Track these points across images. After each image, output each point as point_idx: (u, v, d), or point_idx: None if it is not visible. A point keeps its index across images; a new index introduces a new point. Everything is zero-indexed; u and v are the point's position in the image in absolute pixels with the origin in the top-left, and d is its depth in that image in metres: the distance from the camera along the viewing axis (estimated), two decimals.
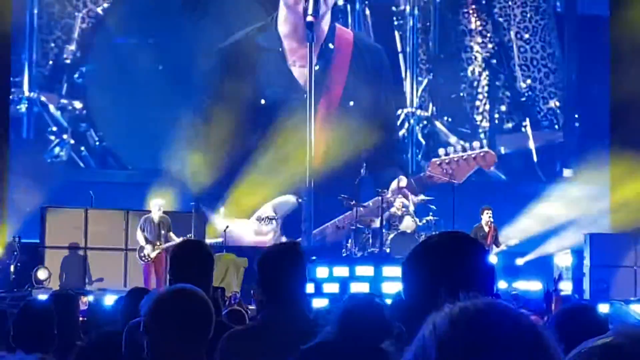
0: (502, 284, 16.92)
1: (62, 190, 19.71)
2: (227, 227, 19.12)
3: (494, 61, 23.89)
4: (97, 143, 21.89)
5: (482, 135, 23.51)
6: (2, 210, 19.12)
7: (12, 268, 17.76)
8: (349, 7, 23.37)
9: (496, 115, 23.92)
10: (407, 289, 2.50)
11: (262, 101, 22.11)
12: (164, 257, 16.46)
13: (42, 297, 9.75)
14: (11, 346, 5.30)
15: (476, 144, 21.57)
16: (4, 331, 5.71)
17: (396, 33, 23.55)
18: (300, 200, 21.22)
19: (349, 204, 19.13)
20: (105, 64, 21.78)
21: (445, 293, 2.04)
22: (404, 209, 18.88)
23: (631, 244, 19.37)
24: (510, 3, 23.86)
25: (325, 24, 22.39)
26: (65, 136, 21.70)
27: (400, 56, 23.46)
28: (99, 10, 22.01)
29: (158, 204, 17.21)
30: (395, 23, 23.60)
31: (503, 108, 23.98)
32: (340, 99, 22.49)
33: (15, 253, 17.85)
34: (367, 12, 23.47)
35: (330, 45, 22.54)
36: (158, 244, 16.82)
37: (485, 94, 23.76)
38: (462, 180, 20.57)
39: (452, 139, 23.21)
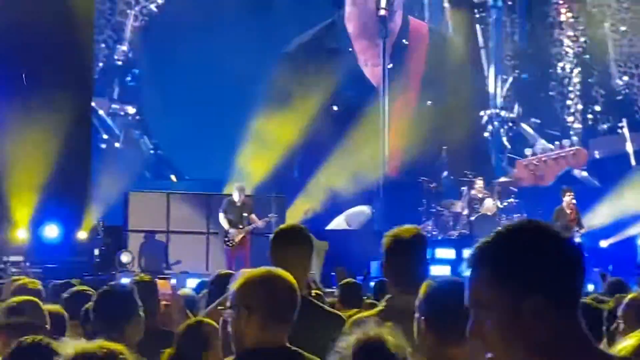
0: None
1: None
2: (308, 209, 18.83)
3: (587, 56, 22.93)
4: (152, 151, 21.20)
5: (574, 139, 22.64)
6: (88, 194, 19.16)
7: (96, 251, 18.07)
8: None
9: (589, 116, 23.01)
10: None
11: (335, 107, 21.27)
12: (248, 240, 17.03)
13: (125, 280, 10.07)
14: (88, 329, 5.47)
15: (566, 141, 20.78)
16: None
17: (477, 27, 22.58)
18: (374, 210, 20.40)
19: (429, 186, 18.89)
20: (160, 66, 20.84)
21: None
22: (485, 192, 18.78)
23: None
24: None
25: (399, 18, 21.26)
26: (117, 144, 20.89)
27: (483, 52, 22.50)
28: (153, 7, 21.12)
29: (240, 187, 17.27)
30: (477, 16, 22.60)
31: (597, 108, 23.02)
32: (417, 99, 21.47)
33: (99, 236, 18.27)
34: (445, 3, 22.46)
35: (404, 41, 21.39)
36: (241, 226, 16.99)
37: (578, 93, 22.89)
38: (551, 182, 19.90)
39: (540, 143, 22.19)
